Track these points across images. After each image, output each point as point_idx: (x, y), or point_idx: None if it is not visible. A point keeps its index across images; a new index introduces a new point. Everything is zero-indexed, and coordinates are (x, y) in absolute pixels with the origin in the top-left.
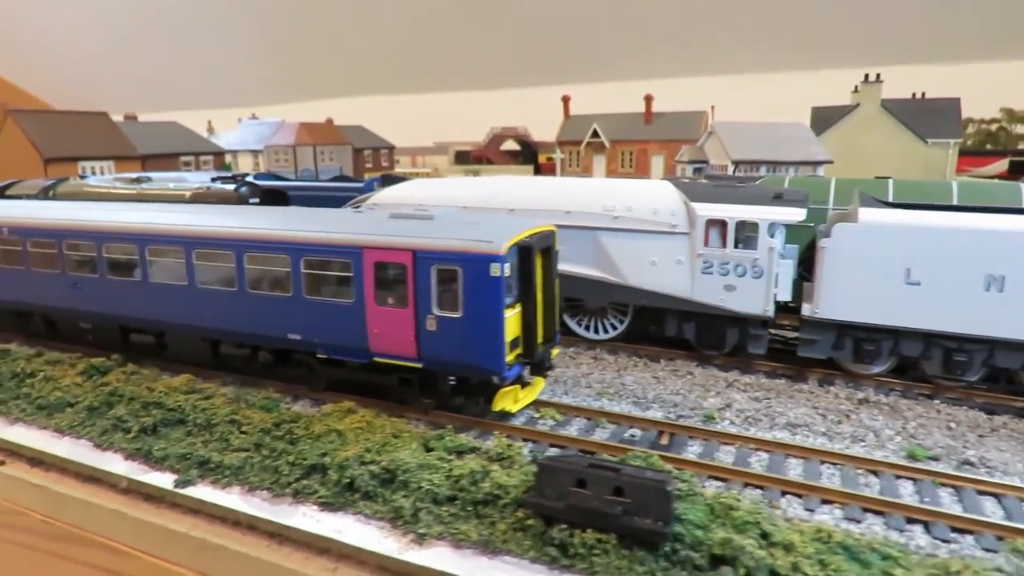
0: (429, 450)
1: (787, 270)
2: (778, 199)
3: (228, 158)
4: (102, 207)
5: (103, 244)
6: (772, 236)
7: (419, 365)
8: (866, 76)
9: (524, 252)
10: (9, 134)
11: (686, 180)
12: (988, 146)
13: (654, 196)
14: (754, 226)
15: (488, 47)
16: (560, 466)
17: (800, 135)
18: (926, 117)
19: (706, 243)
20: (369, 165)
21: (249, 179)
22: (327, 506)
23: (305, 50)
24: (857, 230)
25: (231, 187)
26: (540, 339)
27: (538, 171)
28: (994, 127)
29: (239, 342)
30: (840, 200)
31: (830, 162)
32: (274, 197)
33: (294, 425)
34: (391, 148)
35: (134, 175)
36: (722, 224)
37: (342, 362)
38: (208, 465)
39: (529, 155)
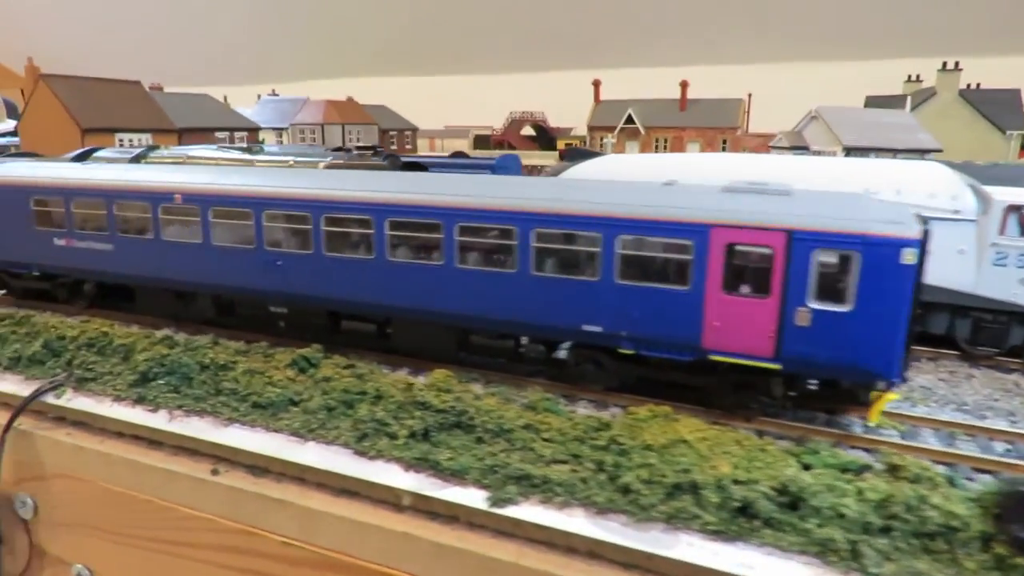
0: (806, 467)
1: None
2: None
3: (263, 135)
4: (289, 174)
5: (322, 215)
6: None
7: (775, 365)
8: (944, 64)
9: (924, 239)
10: (42, 100)
11: (958, 162)
12: None
13: (926, 178)
14: None
15: (499, 30)
16: None
17: (906, 122)
18: (989, 108)
19: (1002, 231)
20: (394, 146)
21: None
22: (717, 535)
23: (316, 28)
24: None
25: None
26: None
27: (563, 157)
28: None
29: (506, 333)
30: None
31: (939, 150)
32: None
33: (614, 434)
34: (414, 130)
35: (244, 145)
36: None
37: (646, 359)
38: (530, 481)
39: (546, 141)
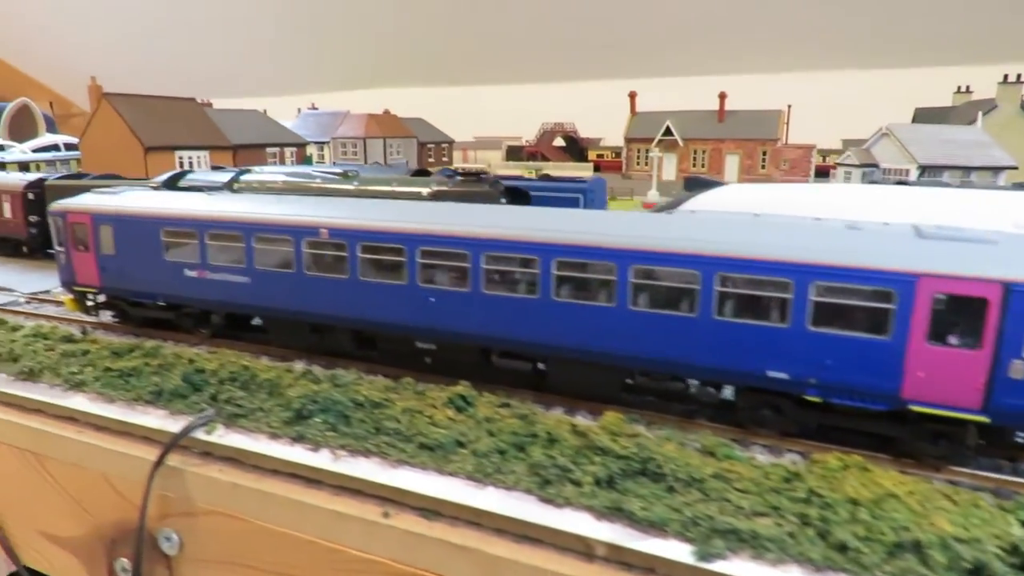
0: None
1: None
2: None
3: (309, 149)
4: (444, 210)
5: (482, 253)
6: None
7: (982, 418)
8: (1005, 76)
9: None
10: (105, 119)
11: None
12: None
13: None
14: None
15: (527, 40)
16: None
17: (980, 139)
18: None
19: None
20: (431, 160)
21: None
22: None
23: (347, 40)
24: None
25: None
26: None
27: (598, 169)
28: None
29: (677, 375)
30: None
31: (1014, 167)
32: (515, 198)
33: (812, 485)
34: (451, 142)
35: (339, 168)
36: None
37: (831, 406)
38: (737, 535)
39: (576, 151)
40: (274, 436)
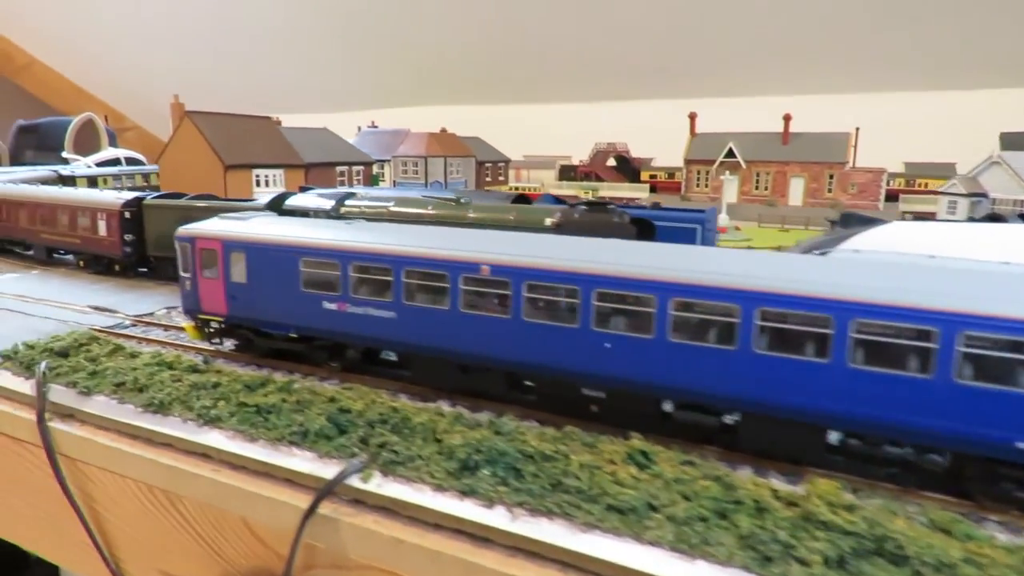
0: None
1: None
2: None
3: (376, 168)
4: (626, 249)
5: (670, 298)
6: None
7: None
8: None
9: None
10: (186, 137)
11: None
12: None
13: None
14: None
15: (573, 59)
16: None
17: None
18: None
19: None
20: (488, 179)
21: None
22: None
23: (399, 56)
24: None
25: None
26: None
27: (654, 190)
28: None
29: (900, 440)
30: None
31: None
32: (642, 229)
33: None
34: (507, 161)
35: (451, 194)
36: None
37: None
38: None
39: (629, 172)
40: (439, 488)
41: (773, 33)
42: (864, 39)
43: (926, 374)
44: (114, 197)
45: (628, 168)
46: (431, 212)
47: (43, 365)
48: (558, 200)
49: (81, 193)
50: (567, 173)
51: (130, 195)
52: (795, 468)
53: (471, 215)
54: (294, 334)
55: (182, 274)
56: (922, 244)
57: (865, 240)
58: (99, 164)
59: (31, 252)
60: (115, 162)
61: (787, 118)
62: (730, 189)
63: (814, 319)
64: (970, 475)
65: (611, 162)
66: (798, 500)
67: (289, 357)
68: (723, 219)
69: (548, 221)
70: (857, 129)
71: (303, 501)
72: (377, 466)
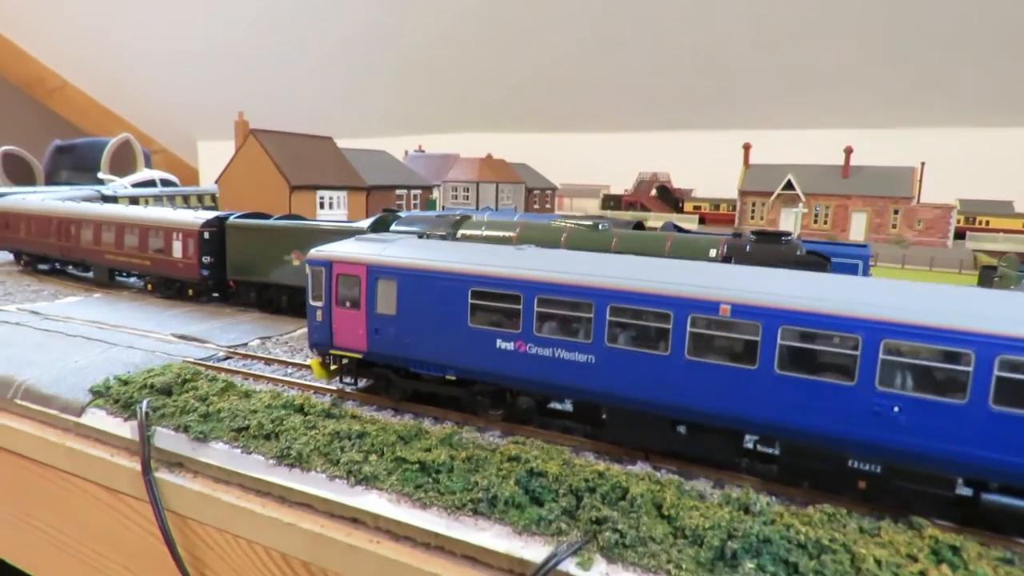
0: None
1: None
2: None
3: (434, 192)
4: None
5: (997, 356)
6: None
7: None
8: None
9: None
10: (251, 155)
11: None
12: None
13: None
14: None
15: (617, 88)
16: None
17: None
18: None
19: None
20: (536, 206)
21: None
22: None
23: (438, 84)
24: None
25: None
26: None
27: (703, 221)
28: None
29: None
30: None
31: None
32: (810, 262)
33: None
34: (554, 189)
35: (587, 218)
36: None
37: None
38: None
39: (672, 202)
40: None
41: (823, 67)
42: (916, 74)
43: None
44: (192, 216)
45: (670, 198)
46: (566, 239)
47: (145, 404)
48: (679, 229)
49: (153, 212)
50: (609, 202)
51: (210, 214)
52: None
53: (614, 243)
54: (452, 376)
55: (311, 303)
56: None
57: None
58: (135, 185)
59: (90, 273)
60: (151, 183)
61: (848, 150)
62: (788, 221)
63: None
64: None
65: (653, 192)
66: None
67: (433, 402)
68: None
69: (712, 252)
70: (923, 164)
71: None
72: (597, 548)
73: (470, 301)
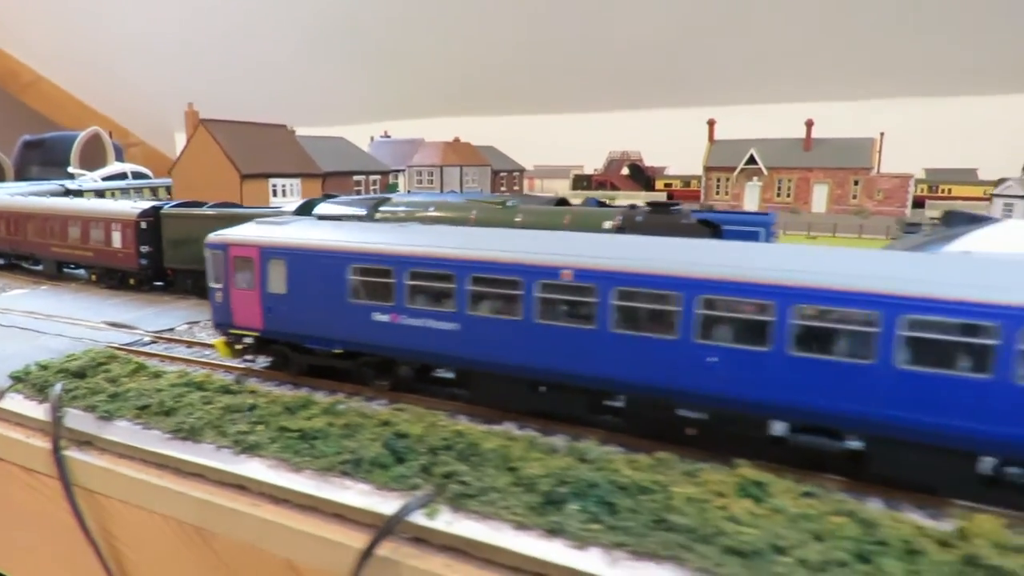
0: None
1: None
2: None
3: (392, 177)
4: (705, 247)
5: (791, 305)
6: None
7: None
8: None
9: None
10: (201, 145)
11: None
12: None
13: None
14: None
15: (586, 69)
16: None
17: None
18: None
19: None
20: (503, 188)
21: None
22: None
23: (406, 69)
24: None
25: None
26: None
27: (671, 198)
28: None
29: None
30: None
31: None
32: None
33: None
34: (522, 171)
35: (496, 196)
36: None
37: None
38: None
39: (643, 180)
40: (520, 526)
41: (787, 43)
42: (880, 45)
43: None
44: (130, 207)
45: (642, 177)
46: (475, 216)
47: (58, 387)
48: (602, 204)
49: (94, 204)
50: (581, 182)
51: (147, 204)
52: (934, 501)
53: (518, 219)
54: (339, 349)
55: (212, 285)
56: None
57: (975, 240)
58: (105, 178)
59: (40, 267)
60: (122, 176)
61: (809, 124)
62: (752, 196)
63: (973, 328)
64: None
65: (625, 171)
66: (952, 540)
67: (330, 375)
68: None
69: (607, 224)
70: (882, 134)
71: (358, 541)
72: (445, 500)
73: (349, 277)
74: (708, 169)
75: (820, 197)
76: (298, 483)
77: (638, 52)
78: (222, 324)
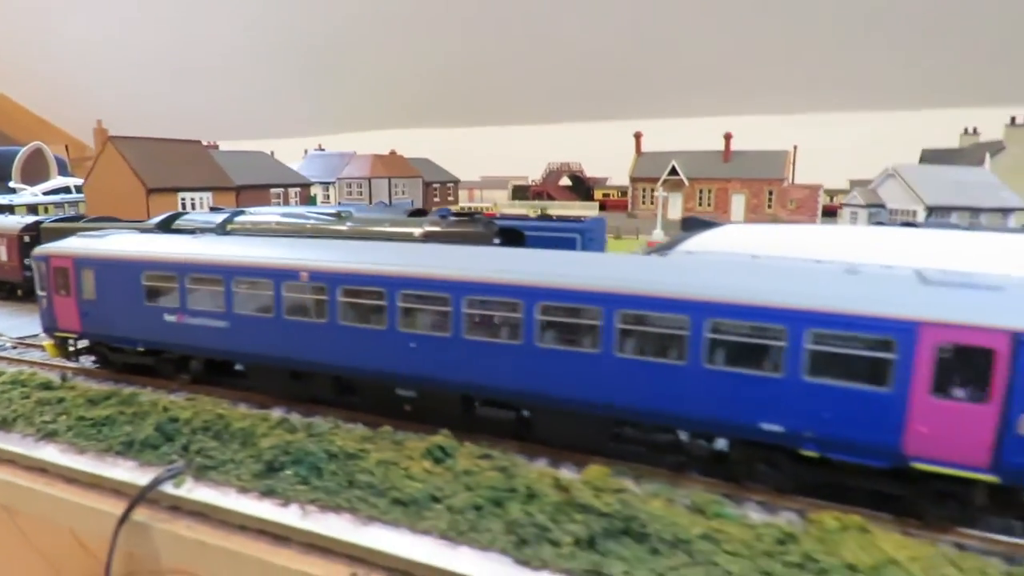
0: None
1: None
2: None
3: (313, 190)
4: (425, 252)
5: (463, 297)
6: None
7: (991, 477)
8: (1012, 119)
9: None
10: (109, 161)
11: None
12: None
13: None
14: None
15: (533, 82)
16: None
17: (988, 180)
18: None
19: None
20: (437, 199)
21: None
22: None
23: (355, 81)
24: None
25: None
26: None
27: (603, 208)
28: None
29: (667, 426)
30: None
31: None
32: (509, 238)
33: (807, 549)
34: (456, 182)
35: (335, 208)
36: None
37: (829, 462)
38: None
39: (583, 191)
40: (243, 490)
41: (710, 60)
42: (796, 64)
43: (681, 361)
44: (15, 222)
45: (582, 187)
46: (312, 226)
47: None
48: (450, 214)
49: None
50: (520, 193)
51: (31, 219)
52: (582, 458)
53: (345, 228)
54: (142, 348)
55: (39, 292)
56: (748, 245)
57: (698, 242)
58: (47, 192)
59: None
60: (65, 190)
61: (728, 136)
62: (674, 206)
63: (587, 312)
64: (735, 459)
65: (565, 181)
66: (569, 486)
67: (145, 372)
68: (657, 234)
69: (417, 232)
70: (795, 147)
71: (122, 509)
72: (191, 472)
73: (143, 283)
74: (634, 180)
75: (738, 206)
76: (82, 463)
77: (573, 67)
78: (49, 328)
